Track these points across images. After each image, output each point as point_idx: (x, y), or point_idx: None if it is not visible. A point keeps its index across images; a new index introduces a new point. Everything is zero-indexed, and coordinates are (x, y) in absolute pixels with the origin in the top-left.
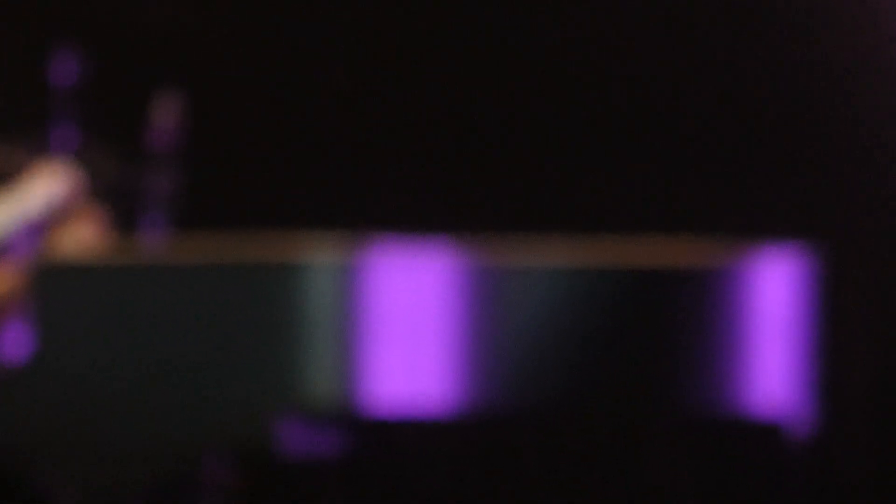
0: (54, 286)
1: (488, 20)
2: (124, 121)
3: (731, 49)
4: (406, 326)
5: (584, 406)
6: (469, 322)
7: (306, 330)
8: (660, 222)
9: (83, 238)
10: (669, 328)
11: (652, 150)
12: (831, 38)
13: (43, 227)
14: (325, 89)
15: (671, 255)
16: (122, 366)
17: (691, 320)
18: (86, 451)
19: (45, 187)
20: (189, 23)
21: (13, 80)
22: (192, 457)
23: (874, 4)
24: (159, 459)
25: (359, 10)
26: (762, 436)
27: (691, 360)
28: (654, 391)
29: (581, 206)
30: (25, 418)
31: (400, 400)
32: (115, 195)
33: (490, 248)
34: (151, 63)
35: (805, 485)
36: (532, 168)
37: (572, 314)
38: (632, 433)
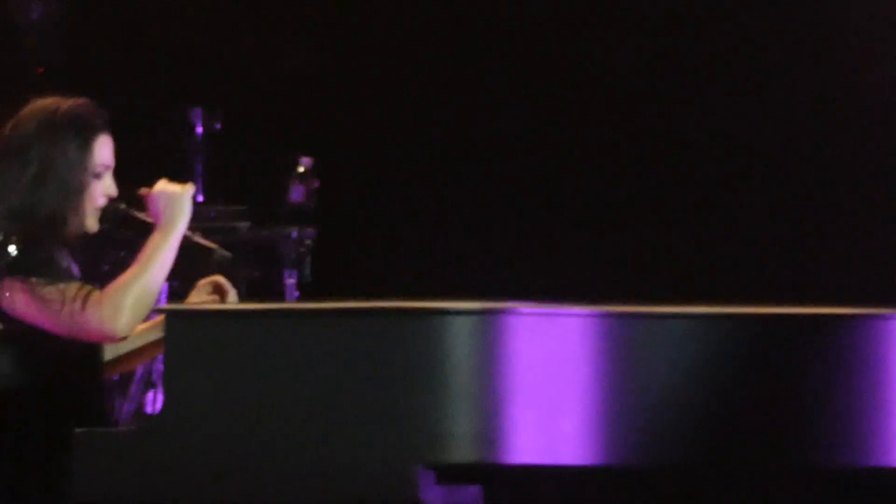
0: (185, 333)
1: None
2: (256, 178)
3: None
4: (544, 377)
5: (723, 456)
6: (607, 372)
7: (446, 379)
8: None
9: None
10: (809, 376)
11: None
12: None
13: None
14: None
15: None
16: (256, 416)
17: (832, 368)
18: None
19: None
20: (327, 75)
21: (154, 134)
22: None
23: None
24: None
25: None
26: None
27: (831, 409)
28: (793, 440)
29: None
30: (158, 470)
31: (539, 451)
32: (251, 254)
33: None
34: (284, 119)
35: None
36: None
37: (710, 362)
38: (769, 483)
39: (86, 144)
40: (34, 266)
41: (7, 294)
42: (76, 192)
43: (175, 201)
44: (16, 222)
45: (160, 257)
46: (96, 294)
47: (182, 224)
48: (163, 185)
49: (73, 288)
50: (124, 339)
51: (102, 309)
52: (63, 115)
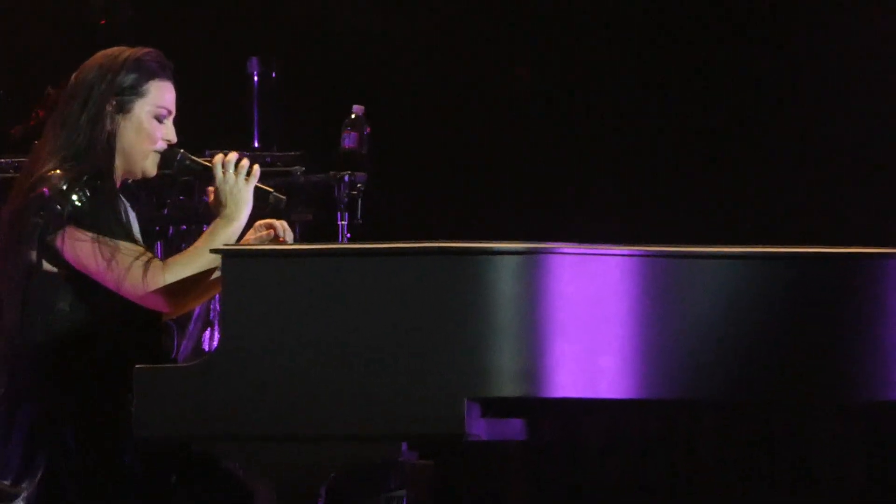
0: (241, 273)
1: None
2: (310, 125)
3: None
4: (586, 314)
5: (758, 391)
6: (646, 309)
7: (492, 317)
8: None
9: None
10: (844, 312)
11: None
12: None
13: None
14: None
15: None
16: (312, 351)
17: (866, 305)
18: (277, 437)
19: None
20: (379, 30)
21: (219, 84)
22: (383, 441)
23: None
24: (350, 445)
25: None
26: None
27: (866, 345)
28: (828, 376)
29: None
30: (216, 405)
31: (580, 385)
32: (305, 198)
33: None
34: (338, 72)
35: None
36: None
37: (746, 300)
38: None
39: (142, 86)
40: (98, 219)
41: (69, 242)
42: (137, 130)
43: (240, 192)
44: (79, 164)
45: (221, 242)
46: (156, 264)
47: (245, 214)
48: (228, 174)
49: (134, 251)
50: (169, 312)
51: (159, 281)
52: (123, 59)
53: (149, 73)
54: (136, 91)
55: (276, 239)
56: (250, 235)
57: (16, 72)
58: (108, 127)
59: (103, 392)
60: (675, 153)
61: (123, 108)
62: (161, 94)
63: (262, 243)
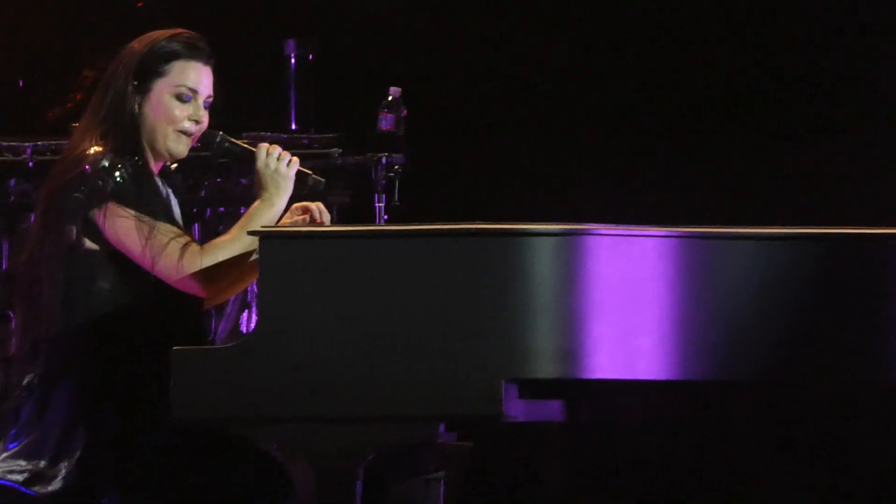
0: (278, 254)
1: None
2: (347, 107)
3: None
4: (623, 295)
5: (794, 374)
6: (683, 290)
7: (530, 298)
8: None
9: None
10: (882, 295)
11: None
12: None
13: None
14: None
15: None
16: (349, 333)
17: None
18: (314, 418)
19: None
20: (416, 10)
21: (256, 66)
22: (420, 422)
23: None
24: (388, 426)
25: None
26: None
27: None
28: (865, 359)
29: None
30: (253, 386)
31: (618, 367)
32: (342, 180)
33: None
34: (375, 54)
35: None
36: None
37: (783, 281)
38: (839, 401)
39: (163, 66)
40: (139, 197)
41: (110, 218)
42: (156, 109)
43: (281, 178)
44: (123, 136)
45: (259, 226)
46: (194, 248)
47: (285, 198)
48: (270, 159)
49: (172, 232)
50: (206, 296)
51: (196, 264)
52: (149, 42)
53: (171, 53)
54: (156, 71)
55: (312, 222)
56: (287, 219)
57: (54, 54)
58: (130, 107)
59: (143, 370)
60: (710, 134)
61: (143, 89)
62: (183, 74)
63: (298, 226)
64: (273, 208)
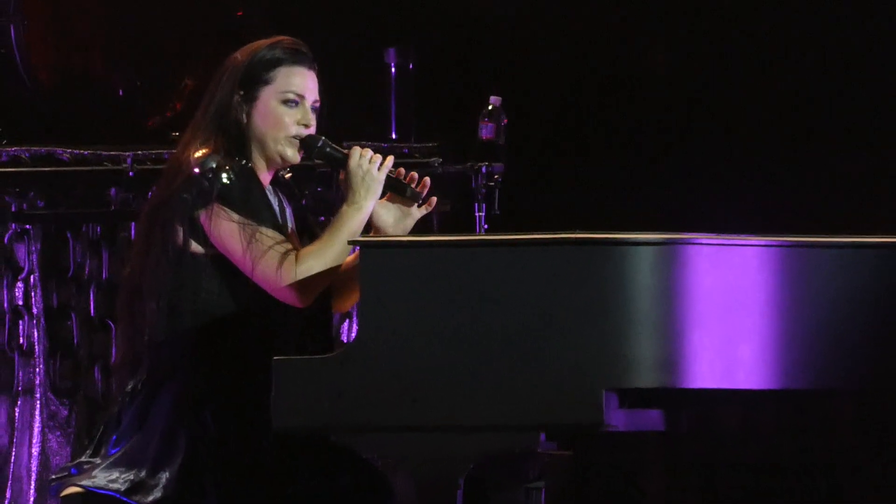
0: (378, 264)
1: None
2: (447, 116)
3: None
4: (723, 304)
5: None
6: (783, 299)
7: (630, 307)
8: None
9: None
10: None
11: None
12: None
13: None
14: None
15: None
16: (450, 342)
17: None
18: (415, 428)
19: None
20: (517, 18)
21: (356, 75)
22: (521, 432)
23: None
24: (488, 435)
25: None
26: None
27: None
28: None
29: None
30: (354, 395)
31: (718, 376)
32: (442, 189)
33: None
34: (476, 63)
35: None
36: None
37: (884, 290)
38: None
39: (268, 74)
40: (245, 202)
41: (215, 220)
42: (264, 117)
43: (372, 180)
44: (230, 145)
45: (349, 231)
46: (293, 257)
47: (372, 202)
48: (362, 160)
49: (274, 239)
50: (301, 306)
51: (292, 275)
52: (252, 50)
53: (275, 60)
54: (261, 79)
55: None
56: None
57: (155, 63)
58: (237, 117)
59: (245, 376)
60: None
61: (250, 98)
62: (289, 80)
63: (403, 233)
64: (361, 212)
